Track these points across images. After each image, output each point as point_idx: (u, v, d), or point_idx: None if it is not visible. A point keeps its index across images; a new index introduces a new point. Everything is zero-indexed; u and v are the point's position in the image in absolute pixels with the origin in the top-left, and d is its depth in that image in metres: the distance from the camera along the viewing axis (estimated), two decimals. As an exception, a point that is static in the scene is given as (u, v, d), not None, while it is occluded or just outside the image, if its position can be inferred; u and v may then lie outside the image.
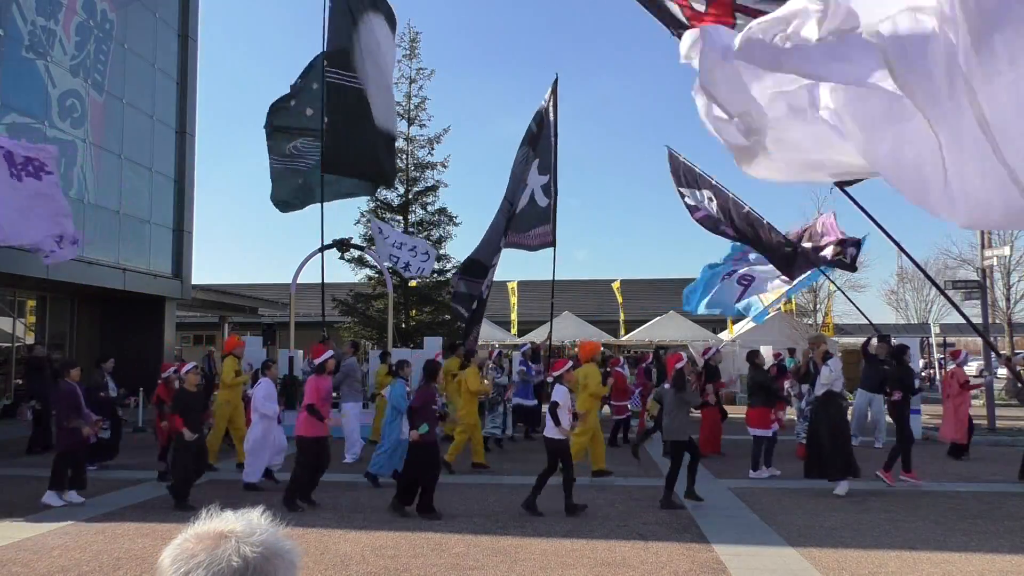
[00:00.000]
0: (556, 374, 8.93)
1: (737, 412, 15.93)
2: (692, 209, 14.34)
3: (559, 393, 8.62)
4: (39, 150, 10.75)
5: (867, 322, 16.63)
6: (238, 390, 11.53)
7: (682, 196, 14.59)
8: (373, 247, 20.36)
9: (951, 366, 13.38)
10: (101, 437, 11.20)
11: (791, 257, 13.11)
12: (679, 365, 9.24)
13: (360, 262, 23.96)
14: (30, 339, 20.47)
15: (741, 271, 17.59)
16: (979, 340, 20.42)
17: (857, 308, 17.10)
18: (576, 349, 21.30)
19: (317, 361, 9.42)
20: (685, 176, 14.38)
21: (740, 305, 18.30)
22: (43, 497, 8.78)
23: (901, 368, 10.99)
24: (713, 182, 13.98)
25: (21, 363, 19.44)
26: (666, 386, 9.36)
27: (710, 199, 13.91)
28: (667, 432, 9.05)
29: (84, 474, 9.14)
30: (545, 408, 10.46)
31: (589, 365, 10.69)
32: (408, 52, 25.10)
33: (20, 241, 10.40)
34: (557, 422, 8.44)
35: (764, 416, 11.08)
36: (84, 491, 9.11)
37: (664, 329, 27.87)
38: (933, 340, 33.62)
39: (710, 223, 13.94)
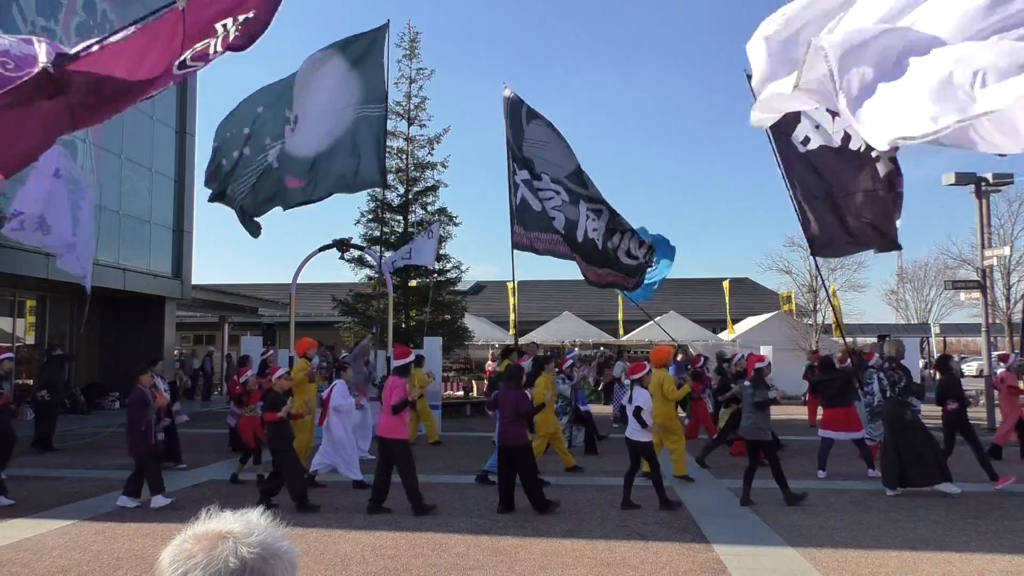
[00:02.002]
0: (635, 377, 9.09)
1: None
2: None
3: (643, 396, 8.86)
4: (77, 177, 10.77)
5: (867, 323, 16.55)
6: (313, 392, 11.32)
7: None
8: (372, 247, 20.26)
9: (1000, 369, 13.32)
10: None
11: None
12: (760, 365, 9.40)
13: (360, 262, 23.94)
14: (30, 339, 20.49)
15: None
16: (979, 340, 20.41)
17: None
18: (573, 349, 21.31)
19: (400, 363, 9.01)
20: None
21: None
22: (152, 502, 8.71)
23: (949, 377, 10.95)
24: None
25: (22, 363, 19.46)
26: (746, 384, 9.55)
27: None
28: (744, 431, 9.27)
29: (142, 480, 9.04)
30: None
31: (661, 370, 10.55)
32: (408, 52, 25.05)
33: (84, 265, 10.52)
34: (644, 424, 8.72)
35: (850, 416, 10.95)
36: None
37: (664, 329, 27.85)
38: (933, 340, 33.61)
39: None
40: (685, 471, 10.35)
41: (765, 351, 18.53)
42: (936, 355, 33.07)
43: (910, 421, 9.51)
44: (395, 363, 8.99)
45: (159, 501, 8.71)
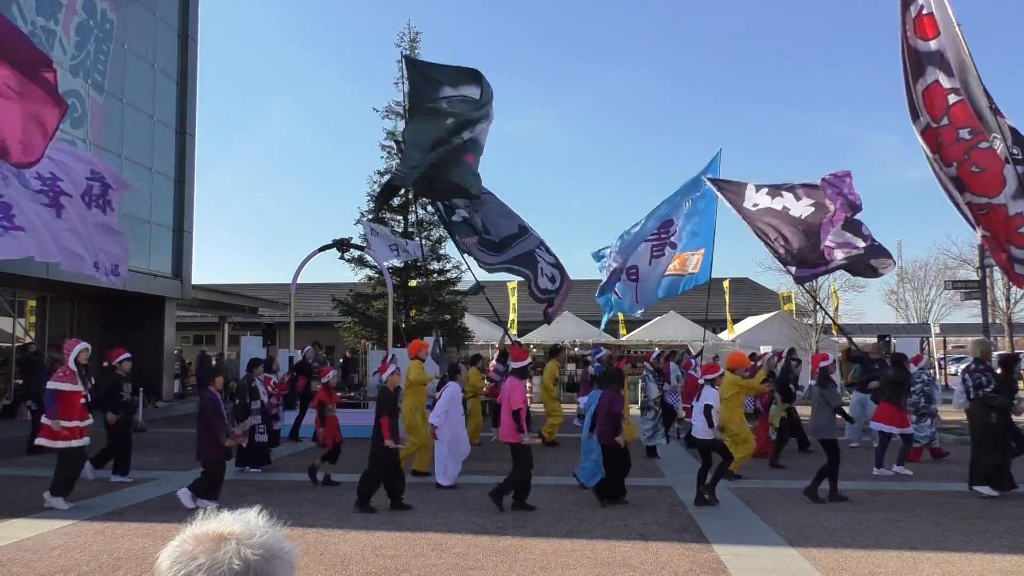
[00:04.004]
0: (709, 378, 9.39)
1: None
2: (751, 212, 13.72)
3: (712, 395, 9.14)
4: (117, 186, 11.10)
5: (867, 322, 16.57)
6: (423, 395, 11.27)
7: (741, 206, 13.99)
8: (371, 249, 20.21)
9: None
10: (259, 442, 11.17)
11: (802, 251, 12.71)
12: (824, 364, 9.55)
13: (360, 262, 23.96)
14: (31, 339, 20.47)
15: (626, 267, 17.16)
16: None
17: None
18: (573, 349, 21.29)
19: (518, 365, 9.22)
20: (736, 191, 13.72)
21: (671, 290, 17.93)
22: (182, 498, 8.64)
23: (1007, 377, 10.83)
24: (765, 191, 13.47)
25: (20, 363, 19.44)
26: (811, 383, 9.70)
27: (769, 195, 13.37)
28: (815, 431, 9.42)
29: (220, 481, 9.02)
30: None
31: (730, 374, 10.69)
32: (408, 52, 25.10)
33: (75, 266, 10.65)
34: (711, 423, 8.97)
35: (894, 413, 11.04)
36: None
37: (664, 329, 27.87)
38: (933, 340, 33.60)
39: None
40: (735, 471, 10.54)
41: (765, 351, 18.50)
42: (936, 354, 33.19)
43: (993, 423, 9.44)
44: (513, 365, 9.26)
45: (203, 503, 8.58)
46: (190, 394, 25.30)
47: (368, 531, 7.66)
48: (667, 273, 17.44)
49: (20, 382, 19.15)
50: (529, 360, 9.49)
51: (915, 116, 11.49)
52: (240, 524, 1.25)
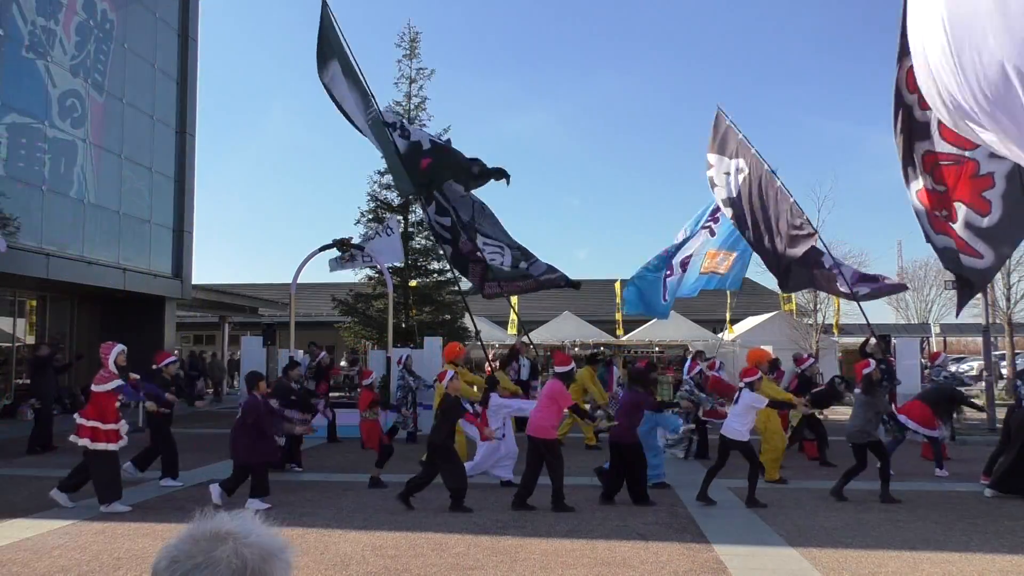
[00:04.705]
0: (747, 381, 9.46)
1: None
2: (712, 184, 14.12)
3: (755, 399, 9.26)
4: None
5: (868, 322, 16.56)
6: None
7: (708, 165, 14.34)
8: (366, 255, 20.14)
9: None
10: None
11: (789, 263, 12.92)
12: (868, 371, 9.66)
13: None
14: (31, 339, 20.47)
15: (678, 259, 17.22)
16: (979, 340, 20.43)
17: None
18: (576, 349, 21.23)
19: (562, 370, 9.29)
20: (722, 141, 14.04)
21: (697, 285, 17.97)
22: (247, 504, 8.38)
23: None
24: (753, 151, 13.76)
25: (22, 363, 19.45)
26: (857, 391, 9.82)
27: (739, 170, 13.60)
28: (849, 435, 9.53)
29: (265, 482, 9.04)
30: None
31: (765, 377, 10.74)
32: (408, 52, 25.10)
33: None
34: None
35: (926, 414, 11.20)
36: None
37: (664, 329, 27.85)
38: (933, 340, 33.59)
39: (727, 202, 13.72)
40: (776, 476, 10.50)
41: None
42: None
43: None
44: (558, 370, 9.33)
45: (255, 504, 8.44)
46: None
47: (368, 531, 7.66)
48: (701, 271, 17.52)
49: (20, 382, 19.15)
50: (572, 365, 9.58)
51: (904, 54, 11.06)
52: (237, 523, 1.26)
